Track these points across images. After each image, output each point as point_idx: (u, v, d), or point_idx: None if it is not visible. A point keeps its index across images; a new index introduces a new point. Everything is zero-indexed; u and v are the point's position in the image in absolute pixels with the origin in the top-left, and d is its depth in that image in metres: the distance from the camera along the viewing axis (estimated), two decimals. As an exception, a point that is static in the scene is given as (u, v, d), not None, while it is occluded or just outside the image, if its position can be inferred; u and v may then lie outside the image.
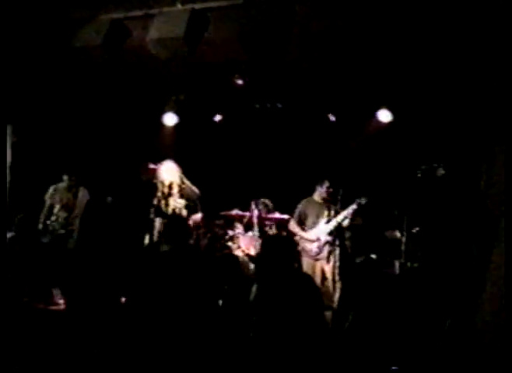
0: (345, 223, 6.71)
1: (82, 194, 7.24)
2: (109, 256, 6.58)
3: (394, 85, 6.73)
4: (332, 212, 6.78)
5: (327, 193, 6.89)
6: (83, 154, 7.91)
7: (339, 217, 6.68)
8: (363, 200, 6.60)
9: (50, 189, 7.23)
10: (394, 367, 4.27)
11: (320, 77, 6.97)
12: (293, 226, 7.11)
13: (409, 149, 7.20)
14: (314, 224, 6.90)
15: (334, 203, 6.79)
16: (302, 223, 7.04)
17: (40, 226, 7.09)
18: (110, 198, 7.36)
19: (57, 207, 7.11)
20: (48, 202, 7.18)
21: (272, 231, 7.91)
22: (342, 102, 7.60)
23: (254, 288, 3.72)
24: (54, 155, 7.88)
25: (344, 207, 6.70)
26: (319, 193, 6.98)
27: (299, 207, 7.12)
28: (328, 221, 6.75)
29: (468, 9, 4.83)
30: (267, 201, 7.99)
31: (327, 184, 6.89)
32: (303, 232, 6.96)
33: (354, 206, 6.62)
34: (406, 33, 5.26)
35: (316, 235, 6.80)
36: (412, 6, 5.06)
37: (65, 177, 7.21)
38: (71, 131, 8.01)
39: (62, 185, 7.22)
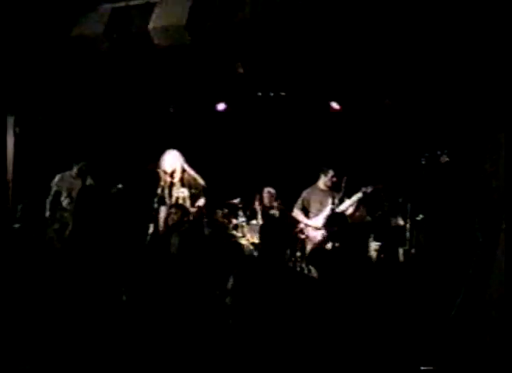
0: (349, 211, 6.68)
1: (89, 183, 7.24)
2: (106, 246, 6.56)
3: (398, 72, 6.68)
4: (336, 200, 6.76)
5: (332, 181, 6.88)
6: (86, 143, 7.91)
7: (344, 206, 6.66)
8: (369, 189, 6.56)
9: (57, 177, 7.27)
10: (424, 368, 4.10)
11: (324, 65, 6.92)
12: (297, 213, 7.12)
13: (413, 136, 7.17)
14: (319, 211, 6.89)
15: (338, 190, 6.77)
16: (306, 210, 7.04)
17: (48, 213, 7.11)
18: (119, 186, 7.21)
19: (64, 195, 7.13)
20: (54, 189, 7.21)
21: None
22: (345, 89, 7.56)
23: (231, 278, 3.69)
24: (57, 145, 7.87)
25: (348, 195, 6.67)
26: (323, 182, 6.97)
27: (303, 194, 7.12)
28: (333, 210, 6.73)
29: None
30: (271, 190, 7.98)
31: (331, 173, 6.88)
32: (308, 220, 6.96)
33: (359, 194, 6.59)
34: (409, 18, 5.21)
35: (320, 222, 6.79)
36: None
37: (75, 166, 7.23)
38: (73, 121, 7.99)
39: (69, 173, 7.26)
